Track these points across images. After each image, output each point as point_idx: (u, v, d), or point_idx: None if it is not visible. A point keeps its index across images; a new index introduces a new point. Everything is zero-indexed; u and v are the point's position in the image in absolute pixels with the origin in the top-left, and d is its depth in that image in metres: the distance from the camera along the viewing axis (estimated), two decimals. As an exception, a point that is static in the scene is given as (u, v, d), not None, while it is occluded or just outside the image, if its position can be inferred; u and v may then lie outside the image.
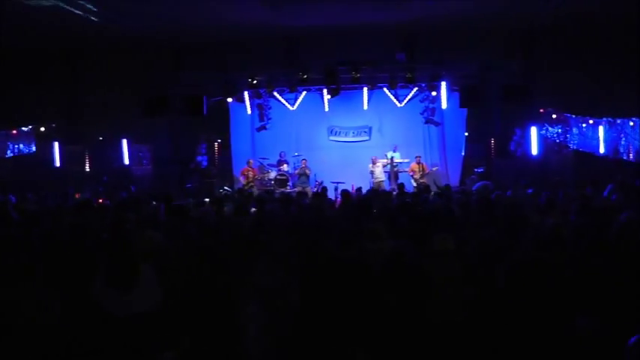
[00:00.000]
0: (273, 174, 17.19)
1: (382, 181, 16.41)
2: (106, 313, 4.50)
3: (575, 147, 16.80)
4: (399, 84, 16.53)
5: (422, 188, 13.21)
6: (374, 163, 16.68)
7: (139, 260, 4.79)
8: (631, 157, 15.29)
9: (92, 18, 14.91)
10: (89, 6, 14.16)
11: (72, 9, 14.23)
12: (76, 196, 14.87)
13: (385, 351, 4.63)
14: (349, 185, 15.87)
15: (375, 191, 12.73)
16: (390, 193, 12.32)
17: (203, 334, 4.65)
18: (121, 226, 7.47)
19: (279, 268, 5.02)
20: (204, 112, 16.43)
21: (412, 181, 16.50)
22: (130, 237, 5.95)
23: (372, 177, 16.64)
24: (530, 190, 12.60)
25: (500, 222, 7.24)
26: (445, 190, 11.89)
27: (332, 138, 18.09)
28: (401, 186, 13.31)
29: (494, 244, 5.83)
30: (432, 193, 12.11)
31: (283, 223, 7.81)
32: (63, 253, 5.86)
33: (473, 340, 4.61)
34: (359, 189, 13.60)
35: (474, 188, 13.48)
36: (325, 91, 16.81)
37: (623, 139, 15.37)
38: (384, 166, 16.77)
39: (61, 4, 13.87)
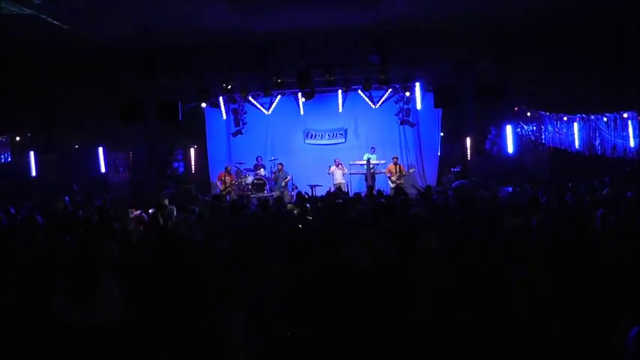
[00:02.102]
0: (250, 179, 16.98)
1: (343, 183, 16.23)
2: (65, 324, 4.34)
3: (550, 144, 16.77)
4: (374, 85, 16.33)
5: (398, 191, 12.93)
6: (337, 165, 16.53)
7: (100, 271, 4.56)
8: (606, 152, 15.30)
9: (64, 26, 14.65)
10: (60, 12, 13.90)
11: (46, 17, 13.98)
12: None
13: (372, 353, 4.52)
14: (326, 188, 15.80)
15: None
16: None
17: (182, 344, 4.45)
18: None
19: (262, 274, 4.98)
20: (180, 118, 16.20)
21: (389, 182, 16.35)
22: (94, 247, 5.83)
23: (333, 179, 16.49)
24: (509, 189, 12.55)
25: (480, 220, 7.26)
26: (426, 192, 11.77)
27: (308, 141, 17.89)
28: (370, 188, 13.19)
29: (475, 242, 5.83)
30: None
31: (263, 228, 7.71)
32: (39, 267, 5.75)
33: (459, 340, 4.50)
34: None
35: (452, 187, 13.37)
36: (300, 94, 16.66)
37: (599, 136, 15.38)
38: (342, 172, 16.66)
39: (39, 14, 13.61)
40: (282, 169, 16.47)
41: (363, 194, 12.55)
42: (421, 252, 5.34)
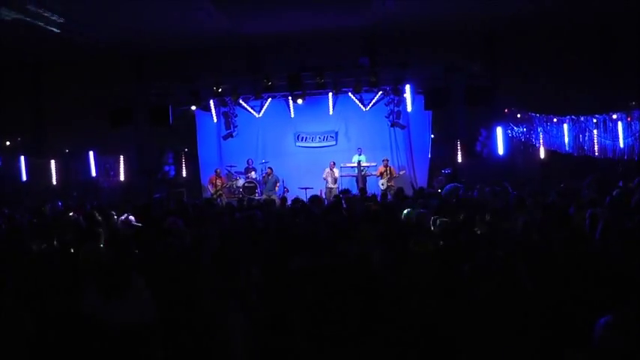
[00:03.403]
0: (241, 181, 16.81)
1: (334, 188, 16.03)
2: (96, 323, 4.22)
3: (540, 145, 16.71)
4: (364, 88, 16.14)
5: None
6: (331, 168, 16.37)
7: (130, 270, 4.58)
8: (596, 153, 15.28)
9: (54, 30, 14.51)
10: (53, 17, 13.78)
11: (34, 21, 13.85)
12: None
13: (365, 352, 4.37)
14: (317, 190, 15.66)
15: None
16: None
17: (178, 347, 4.44)
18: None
19: (255, 276, 4.95)
20: (170, 122, 16.05)
21: (380, 184, 16.23)
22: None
23: (327, 183, 16.31)
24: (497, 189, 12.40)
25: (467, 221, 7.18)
26: (419, 193, 11.64)
27: (299, 144, 17.69)
28: (362, 190, 13.05)
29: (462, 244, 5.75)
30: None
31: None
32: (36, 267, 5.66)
33: (450, 342, 4.42)
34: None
35: (444, 190, 13.21)
36: (290, 97, 16.53)
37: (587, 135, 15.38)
38: (332, 176, 16.49)
39: (23, 17, 13.47)
40: (271, 173, 16.30)
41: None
42: (416, 253, 5.26)
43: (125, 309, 4.36)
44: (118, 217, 9.94)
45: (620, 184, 10.76)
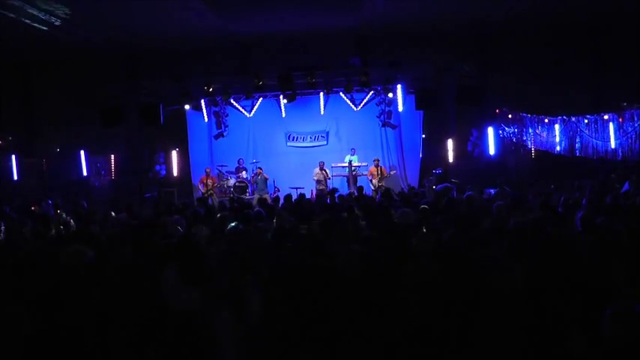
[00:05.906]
0: (232, 181, 16.53)
1: (324, 188, 15.71)
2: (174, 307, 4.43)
3: (531, 146, 16.50)
4: (355, 88, 15.87)
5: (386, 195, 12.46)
6: (321, 168, 16.00)
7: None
8: (587, 154, 15.08)
9: (43, 28, 14.19)
10: (41, 15, 13.46)
11: (23, 19, 13.53)
12: (32, 208, 14.14)
13: (357, 352, 4.36)
14: (308, 190, 15.40)
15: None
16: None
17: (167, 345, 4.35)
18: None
19: (244, 276, 4.77)
20: (161, 121, 15.71)
21: (371, 184, 15.95)
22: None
23: (316, 183, 15.95)
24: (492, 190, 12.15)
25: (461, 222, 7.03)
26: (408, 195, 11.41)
27: (290, 144, 17.43)
28: (360, 189, 12.80)
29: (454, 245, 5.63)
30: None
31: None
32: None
33: (449, 341, 4.29)
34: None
35: (436, 189, 12.95)
36: (281, 96, 16.23)
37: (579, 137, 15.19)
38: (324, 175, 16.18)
39: (13, 15, 13.14)
40: (260, 173, 15.96)
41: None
42: (416, 252, 5.15)
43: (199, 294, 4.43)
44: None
45: (627, 185, 10.51)
